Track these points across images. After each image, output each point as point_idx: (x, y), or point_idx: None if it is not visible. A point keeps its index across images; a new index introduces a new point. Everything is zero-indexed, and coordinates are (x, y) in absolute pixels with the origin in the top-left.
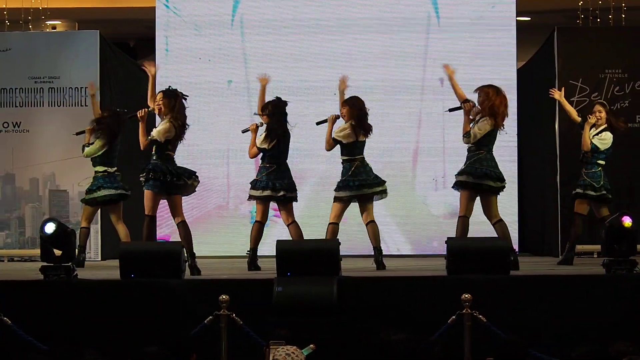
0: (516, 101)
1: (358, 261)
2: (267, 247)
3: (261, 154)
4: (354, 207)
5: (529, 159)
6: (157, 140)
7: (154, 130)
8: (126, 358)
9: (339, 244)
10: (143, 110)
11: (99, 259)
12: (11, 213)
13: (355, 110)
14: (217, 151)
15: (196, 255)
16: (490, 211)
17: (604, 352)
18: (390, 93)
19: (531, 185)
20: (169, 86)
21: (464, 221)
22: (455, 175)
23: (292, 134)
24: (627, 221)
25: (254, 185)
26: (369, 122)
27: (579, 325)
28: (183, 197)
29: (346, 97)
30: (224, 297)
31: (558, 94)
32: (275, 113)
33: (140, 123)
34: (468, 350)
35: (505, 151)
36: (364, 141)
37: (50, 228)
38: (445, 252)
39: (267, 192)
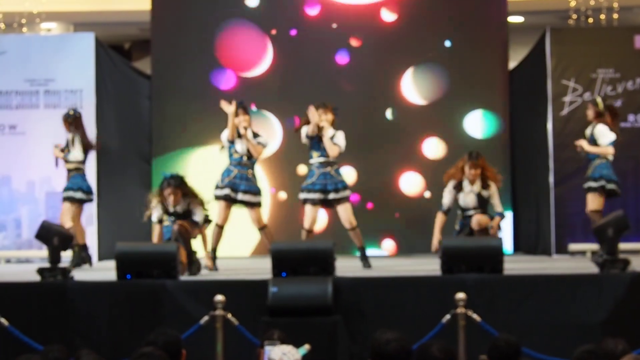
0: (509, 101)
1: (353, 261)
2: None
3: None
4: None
5: (522, 159)
6: None
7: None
8: (122, 359)
9: (334, 244)
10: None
11: (96, 260)
12: (8, 215)
13: None
14: None
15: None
16: None
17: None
18: None
19: (524, 185)
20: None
21: None
22: None
23: None
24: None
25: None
26: None
27: (573, 324)
28: None
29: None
30: (219, 297)
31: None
32: None
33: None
34: (462, 349)
35: (498, 150)
36: None
37: (37, 229)
38: None
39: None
